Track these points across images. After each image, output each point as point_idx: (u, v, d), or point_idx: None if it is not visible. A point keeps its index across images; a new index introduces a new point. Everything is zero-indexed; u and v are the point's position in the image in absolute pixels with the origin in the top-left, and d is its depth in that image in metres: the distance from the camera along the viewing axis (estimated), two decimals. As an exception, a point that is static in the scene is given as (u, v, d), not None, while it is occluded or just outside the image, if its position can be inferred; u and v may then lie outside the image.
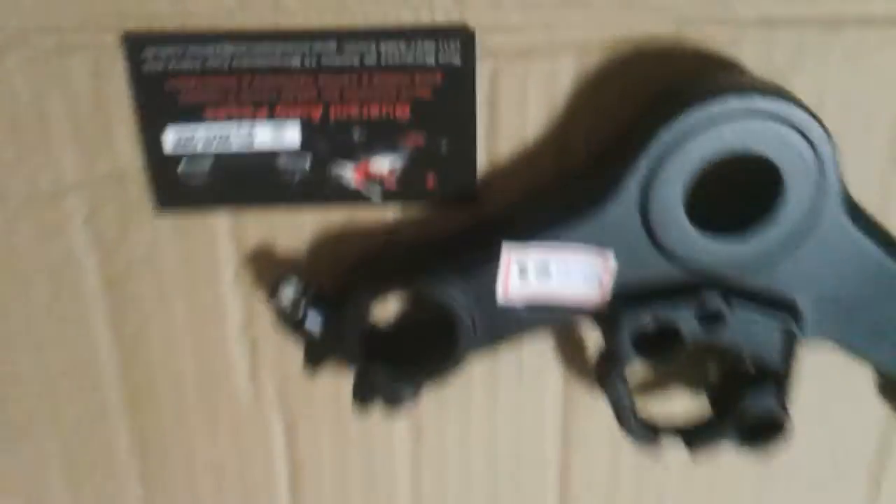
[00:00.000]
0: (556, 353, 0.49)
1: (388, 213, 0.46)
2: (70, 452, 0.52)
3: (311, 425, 0.51)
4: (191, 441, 0.51)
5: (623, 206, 0.40)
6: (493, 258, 0.42)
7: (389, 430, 0.51)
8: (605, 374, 0.44)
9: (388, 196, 0.45)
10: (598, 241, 0.41)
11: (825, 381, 0.49)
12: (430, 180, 0.45)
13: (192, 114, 0.43)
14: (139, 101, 0.43)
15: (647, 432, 0.45)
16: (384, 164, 0.44)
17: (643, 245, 0.41)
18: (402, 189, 0.45)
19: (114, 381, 0.50)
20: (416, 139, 0.44)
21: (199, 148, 0.44)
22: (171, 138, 0.44)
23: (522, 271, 0.42)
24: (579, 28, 0.42)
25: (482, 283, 0.43)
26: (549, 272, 0.42)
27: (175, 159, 0.44)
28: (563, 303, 0.43)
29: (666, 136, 0.38)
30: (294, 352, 0.47)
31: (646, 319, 0.42)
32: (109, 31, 0.41)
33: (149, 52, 0.42)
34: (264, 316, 0.48)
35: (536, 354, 0.49)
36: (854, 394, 0.50)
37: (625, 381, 0.44)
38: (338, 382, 0.49)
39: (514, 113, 0.44)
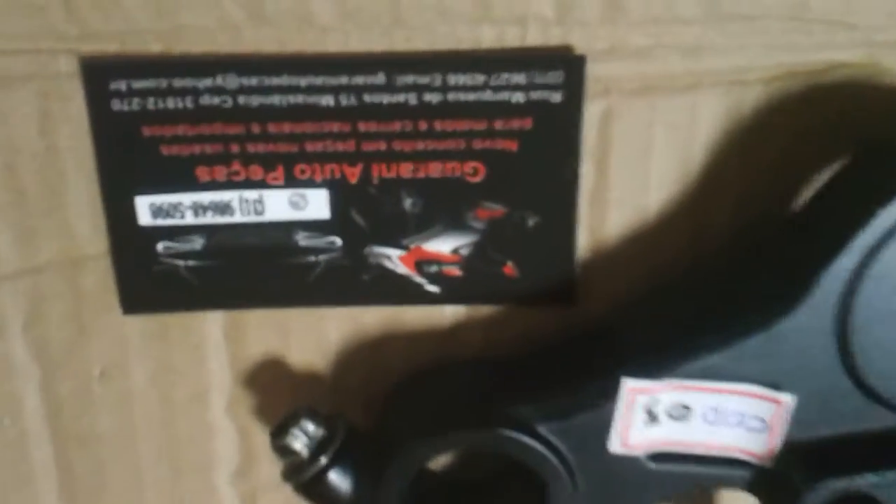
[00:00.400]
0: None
1: (449, 315, 0.33)
2: None
3: None
4: None
5: (809, 319, 0.28)
6: (606, 394, 0.29)
7: None
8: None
9: (449, 290, 0.32)
10: (766, 371, 0.28)
11: None
12: (510, 269, 0.32)
13: (178, 174, 0.30)
14: (104, 155, 0.30)
15: None
16: (445, 246, 0.31)
17: (834, 376, 0.28)
18: (470, 281, 0.32)
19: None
20: (491, 211, 0.31)
21: (187, 221, 0.31)
22: (148, 209, 0.31)
23: (651, 414, 0.29)
24: (731, 51, 0.30)
25: (587, 425, 0.30)
26: (689, 413, 0.29)
27: (151, 239, 0.31)
28: (708, 456, 0.30)
29: (886, 217, 0.26)
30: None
31: (835, 491, 0.28)
32: (64, 54, 0.29)
33: (119, 85, 0.29)
34: (266, 462, 0.34)
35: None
36: None
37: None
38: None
39: (633, 172, 0.31)
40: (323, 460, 0.31)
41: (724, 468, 0.30)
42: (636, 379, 0.29)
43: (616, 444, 0.30)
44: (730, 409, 0.29)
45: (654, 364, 0.29)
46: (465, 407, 0.31)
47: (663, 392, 0.29)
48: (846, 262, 0.27)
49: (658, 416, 0.29)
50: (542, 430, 0.30)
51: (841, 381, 0.28)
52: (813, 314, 0.27)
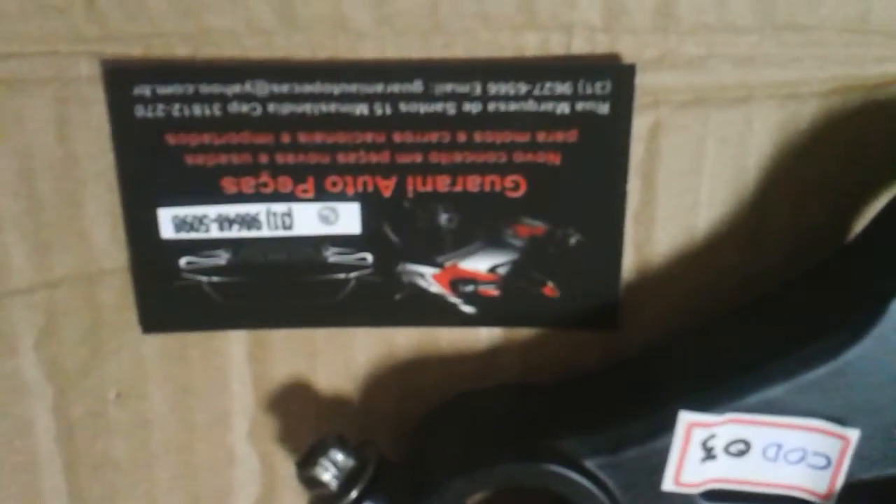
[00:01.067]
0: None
1: (485, 337, 0.31)
2: None
3: None
4: None
5: (878, 349, 0.26)
6: (660, 428, 0.27)
7: None
8: None
9: (486, 311, 0.31)
10: (831, 405, 0.27)
11: None
12: (550, 290, 0.30)
13: (204, 184, 0.29)
14: (126, 163, 0.28)
15: None
16: (482, 264, 0.30)
17: None
18: (508, 302, 0.30)
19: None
20: (532, 228, 0.29)
21: (212, 235, 0.29)
22: (170, 221, 0.29)
23: (707, 449, 0.27)
24: (786, 63, 0.28)
25: (639, 460, 0.28)
26: (749, 449, 0.27)
27: (175, 252, 0.29)
28: (766, 494, 0.28)
29: None
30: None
31: None
32: (85, 57, 0.27)
33: (144, 90, 0.28)
34: (290, 493, 0.33)
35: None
36: None
37: None
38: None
39: (682, 188, 0.30)
40: (354, 494, 0.29)
41: None
42: (694, 412, 0.27)
43: (669, 481, 0.28)
44: (792, 445, 0.27)
45: (713, 396, 0.27)
46: (507, 439, 0.29)
47: (722, 426, 0.27)
48: None
49: (715, 452, 0.27)
50: (590, 464, 0.28)
51: None
52: (882, 344, 0.26)
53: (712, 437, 0.27)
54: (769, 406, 0.26)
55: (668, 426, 0.27)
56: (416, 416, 0.32)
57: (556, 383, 0.31)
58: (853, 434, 0.27)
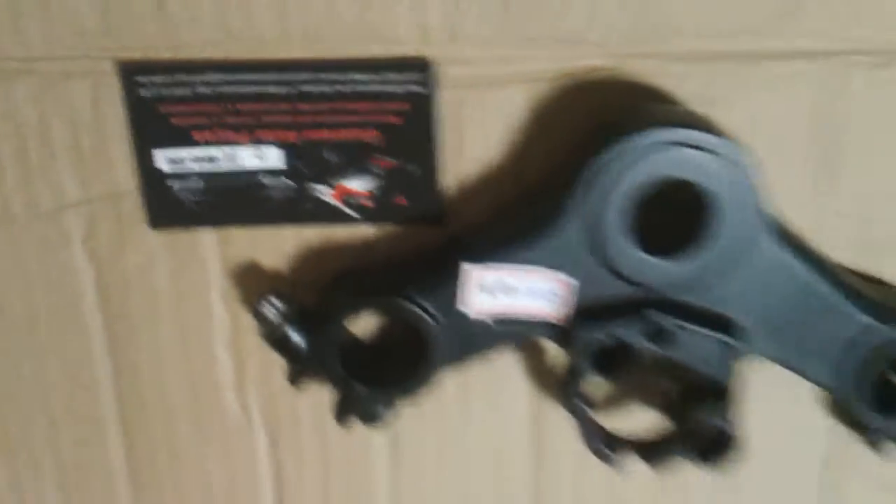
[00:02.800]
0: (527, 370, 0.52)
1: (364, 231, 0.49)
2: (63, 464, 0.55)
3: (295, 440, 0.54)
4: (180, 453, 0.54)
5: (571, 228, 0.43)
6: (457, 277, 0.45)
7: (369, 442, 0.54)
8: (565, 389, 0.47)
9: (363, 215, 0.49)
10: (556, 261, 0.44)
11: (777, 393, 0.51)
12: (401, 200, 0.48)
13: (182, 137, 0.47)
14: (134, 125, 0.47)
15: (605, 446, 0.47)
16: (359, 185, 0.48)
17: (594, 265, 0.44)
18: (376, 208, 0.48)
19: (108, 392, 0.53)
20: (386, 162, 0.47)
21: (189, 169, 0.47)
22: (163, 159, 0.47)
23: (485, 289, 0.45)
24: (529, 62, 0.45)
25: (449, 300, 0.46)
26: (514, 290, 0.45)
27: (167, 179, 0.48)
28: (528, 318, 0.46)
29: (601, 163, 0.42)
30: (279, 367, 0.50)
31: (599, 337, 0.44)
32: (107, 61, 0.45)
33: (143, 80, 0.46)
34: (250, 331, 0.51)
35: (506, 367, 0.52)
36: (804, 405, 0.52)
37: (583, 396, 0.46)
38: (320, 398, 0.52)
39: (478, 138, 0.47)
40: (285, 323, 0.47)
41: (539, 327, 0.46)
42: (470, 264, 0.45)
43: (469, 310, 0.46)
44: (535, 286, 0.45)
45: (485, 256, 0.45)
46: (373, 287, 0.48)
47: (488, 273, 0.45)
48: (581, 191, 0.42)
49: (491, 290, 0.45)
50: (421, 300, 0.46)
51: (597, 267, 0.44)
52: (570, 225, 0.43)
53: (487, 281, 0.45)
54: (516, 260, 0.44)
55: (460, 275, 0.45)
56: (323, 280, 0.50)
57: (406, 258, 0.49)
58: (572, 280, 0.44)
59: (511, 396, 0.53)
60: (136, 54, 0.46)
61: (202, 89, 0.46)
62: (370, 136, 0.47)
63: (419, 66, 0.45)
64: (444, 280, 0.46)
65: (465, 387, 0.52)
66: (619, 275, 0.44)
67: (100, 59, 0.46)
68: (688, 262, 0.43)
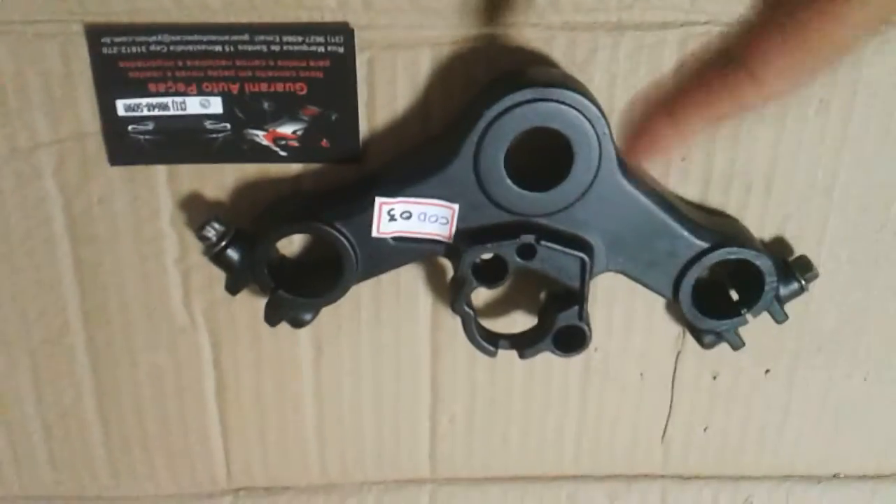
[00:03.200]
0: (426, 282, 0.63)
1: (293, 168, 0.59)
2: (36, 362, 0.64)
3: (233, 341, 0.64)
4: (136, 353, 0.64)
5: (462, 167, 0.54)
6: (369, 206, 0.55)
7: (295, 344, 0.65)
8: (454, 296, 0.58)
9: (291, 154, 0.59)
10: (449, 193, 0.55)
11: (632, 299, 0.63)
12: (324, 142, 0.58)
13: (139, 88, 0.56)
14: (97, 78, 0.56)
15: (486, 341, 0.59)
16: (288, 129, 0.58)
17: (479, 196, 0.54)
18: (303, 149, 0.58)
19: (74, 302, 0.62)
20: (312, 110, 0.57)
21: (145, 114, 0.57)
22: (122, 107, 0.57)
23: (391, 216, 0.56)
24: (432, 28, 0.55)
25: (362, 225, 0.56)
26: (411, 217, 0.56)
27: (125, 123, 0.57)
28: (423, 239, 0.57)
29: (488, 115, 0.52)
30: (219, 280, 0.60)
31: (480, 252, 0.55)
32: (75, 23, 0.54)
33: (105, 40, 0.55)
34: (195, 251, 0.61)
35: (410, 282, 0.63)
36: (654, 309, 0.65)
37: (468, 301, 0.57)
38: (255, 306, 0.62)
39: (389, 91, 0.57)
40: (224, 242, 0.57)
41: (433, 245, 0.57)
42: (383, 197, 0.55)
43: (376, 232, 0.57)
44: (431, 213, 0.56)
45: (393, 189, 0.56)
46: (299, 214, 0.58)
47: (396, 203, 0.56)
48: (473, 136, 0.53)
49: (396, 217, 0.56)
50: (339, 225, 0.56)
51: (481, 198, 0.55)
52: (462, 164, 0.54)
53: (393, 209, 0.56)
54: (417, 193, 0.55)
55: (371, 205, 0.56)
56: (258, 209, 0.61)
57: (327, 190, 0.60)
58: (455, 206, 0.55)
59: (414, 305, 0.64)
60: (100, 18, 0.54)
61: (156, 48, 0.55)
62: (298, 88, 0.57)
63: (340, 31, 0.55)
64: (358, 209, 0.56)
65: (377, 298, 0.63)
66: (499, 205, 0.55)
67: (69, 22, 0.54)
68: (553, 195, 0.55)
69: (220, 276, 0.59)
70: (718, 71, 0.38)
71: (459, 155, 0.54)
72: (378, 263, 0.57)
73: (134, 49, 0.55)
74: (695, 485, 0.71)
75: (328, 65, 0.56)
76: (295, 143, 0.58)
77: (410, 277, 0.62)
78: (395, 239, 0.57)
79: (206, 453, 0.68)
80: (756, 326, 0.60)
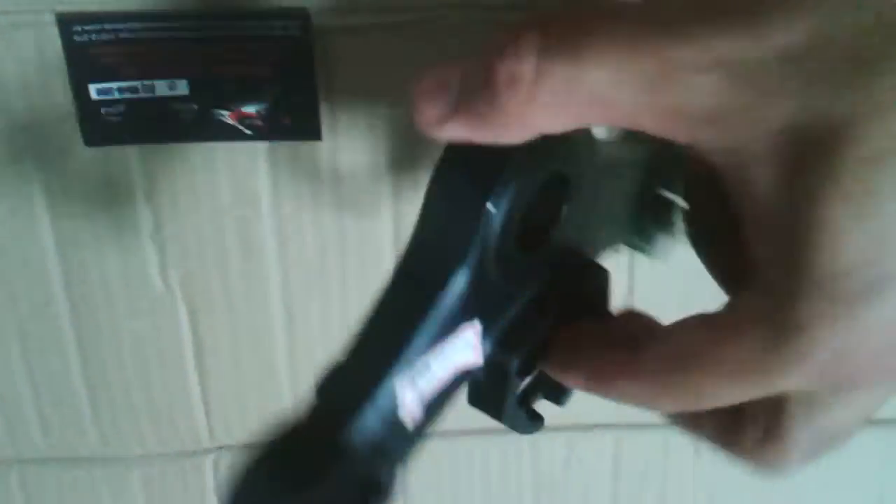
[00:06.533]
0: (393, 243, 0.67)
1: (260, 147, 0.63)
2: (24, 332, 0.69)
3: (209, 309, 0.69)
4: (117, 321, 0.69)
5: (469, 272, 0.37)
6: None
7: (268, 310, 0.69)
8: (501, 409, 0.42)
9: (256, 133, 0.62)
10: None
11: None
12: (287, 121, 0.62)
13: (110, 73, 0.60)
14: (71, 64, 0.59)
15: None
16: (252, 109, 0.62)
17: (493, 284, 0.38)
18: (267, 127, 0.62)
19: (57, 275, 0.66)
20: (274, 91, 0.61)
21: (116, 98, 0.60)
22: (95, 91, 0.60)
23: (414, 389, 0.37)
24: (386, 14, 0.59)
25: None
26: (430, 369, 0.37)
27: (98, 106, 0.61)
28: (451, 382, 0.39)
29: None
30: (194, 252, 0.64)
31: (523, 355, 0.40)
32: (48, 13, 0.57)
33: (77, 28, 0.58)
34: (169, 222, 0.65)
35: (378, 243, 0.67)
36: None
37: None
38: (227, 276, 0.66)
39: (347, 72, 0.61)
40: None
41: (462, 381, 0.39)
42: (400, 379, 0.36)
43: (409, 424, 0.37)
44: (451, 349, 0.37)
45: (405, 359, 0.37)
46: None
47: (417, 373, 0.36)
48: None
49: (417, 386, 0.37)
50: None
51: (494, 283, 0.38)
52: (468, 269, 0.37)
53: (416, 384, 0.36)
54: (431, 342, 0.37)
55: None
56: (227, 188, 0.64)
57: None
58: (476, 323, 0.38)
59: (382, 272, 0.68)
60: (71, 7, 0.58)
61: (125, 35, 0.59)
62: (260, 70, 0.60)
63: (300, 16, 0.59)
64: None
65: (344, 265, 0.67)
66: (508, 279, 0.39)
67: (42, 12, 0.57)
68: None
69: (194, 247, 0.63)
70: None
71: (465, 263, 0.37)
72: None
73: (104, 36, 0.58)
74: (647, 433, 0.76)
75: (288, 47, 0.59)
76: (259, 122, 0.62)
77: (376, 240, 0.66)
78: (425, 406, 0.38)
79: (188, 414, 0.72)
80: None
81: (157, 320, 0.69)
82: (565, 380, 0.39)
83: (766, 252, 0.29)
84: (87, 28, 0.58)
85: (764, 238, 0.29)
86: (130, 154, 0.62)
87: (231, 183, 0.64)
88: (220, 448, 0.74)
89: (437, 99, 0.32)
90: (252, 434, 0.73)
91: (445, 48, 0.59)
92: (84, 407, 0.72)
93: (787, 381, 0.28)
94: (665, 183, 0.48)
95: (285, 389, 0.72)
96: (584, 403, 0.64)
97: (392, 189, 0.64)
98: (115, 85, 0.60)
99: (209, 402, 0.72)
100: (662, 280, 0.62)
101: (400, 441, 0.37)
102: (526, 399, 0.44)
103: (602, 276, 0.45)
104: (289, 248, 0.66)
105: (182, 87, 0.60)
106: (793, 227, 0.27)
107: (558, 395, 0.46)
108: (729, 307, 0.32)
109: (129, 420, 0.72)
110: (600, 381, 0.36)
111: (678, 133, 0.29)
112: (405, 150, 0.63)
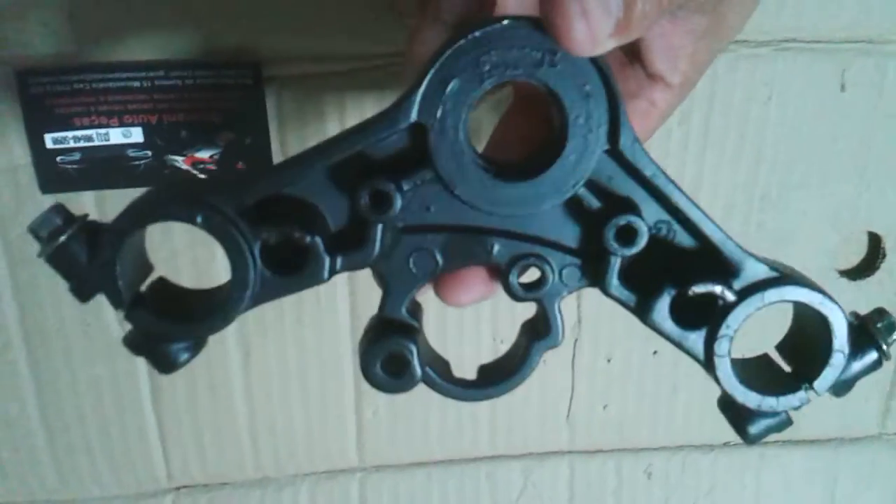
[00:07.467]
0: (345, 282, 0.69)
1: (212, 189, 0.65)
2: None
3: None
4: (75, 366, 0.69)
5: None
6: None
7: (224, 349, 0.70)
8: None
9: (209, 176, 0.64)
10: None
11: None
12: (240, 165, 0.64)
13: (65, 122, 0.61)
14: (27, 114, 0.61)
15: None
16: (205, 154, 0.63)
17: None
18: (220, 172, 0.64)
19: (14, 321, 0.67)
20: (227, 137, 0.63)
21: (71, 146, 0.62)
22: (50, 140, 0.62)
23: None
24: (330, 64, 0.61)
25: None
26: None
27: (53, 155, 0.62)
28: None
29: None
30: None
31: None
32: (6, 66, 0.59)
33: (32, 80, 0.60)
34: (126, 268, 0.66)
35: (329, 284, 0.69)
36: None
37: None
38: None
39: (296, 117, 0.63)
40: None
41: None
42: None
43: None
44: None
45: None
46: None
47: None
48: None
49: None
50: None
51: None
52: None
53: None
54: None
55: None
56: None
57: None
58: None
59: (334, 306, 0.70)
60: (28, 62, 0.59)
61: (79, 85, 0.61)
62: (213, 117, 0.62)
63: (248, 65, 0.61)
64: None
65: (299, 301, 0.69)
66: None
67: (1, 66, 0.59)
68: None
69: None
70: None
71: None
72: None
73: (59, 87, 0.60)
74: (599, 458, 0.78)
75: (239, 95, 0.61)
76: (212, 167, 0.64)
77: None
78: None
79: (146, 455, 0.73)
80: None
81: (115, 363, 0.70)
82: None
83: None
84: (42, 80, 0.60)
85: None
86: (87, 200, 0.64)
87: (186, 225, 0.65)
88: (179, 488, 0.75)
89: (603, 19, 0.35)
90: (210, 474, 0.75)
91: (391, 92, 0.62)
92: (42, 450, 0.72)
93: None
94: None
95: (243, 428, 0.73)
96: (538, 430, 0.66)
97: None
98: (70, 134, 0.61)
99: (167, 442, 0.73)
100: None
101: None
102: None
103: None
104: (244, 288, 0.67)
105: (136, 135, 0.62)
106: None
107: None
108: None
109: (87, 462, 0.73)
110: None
111: None
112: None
